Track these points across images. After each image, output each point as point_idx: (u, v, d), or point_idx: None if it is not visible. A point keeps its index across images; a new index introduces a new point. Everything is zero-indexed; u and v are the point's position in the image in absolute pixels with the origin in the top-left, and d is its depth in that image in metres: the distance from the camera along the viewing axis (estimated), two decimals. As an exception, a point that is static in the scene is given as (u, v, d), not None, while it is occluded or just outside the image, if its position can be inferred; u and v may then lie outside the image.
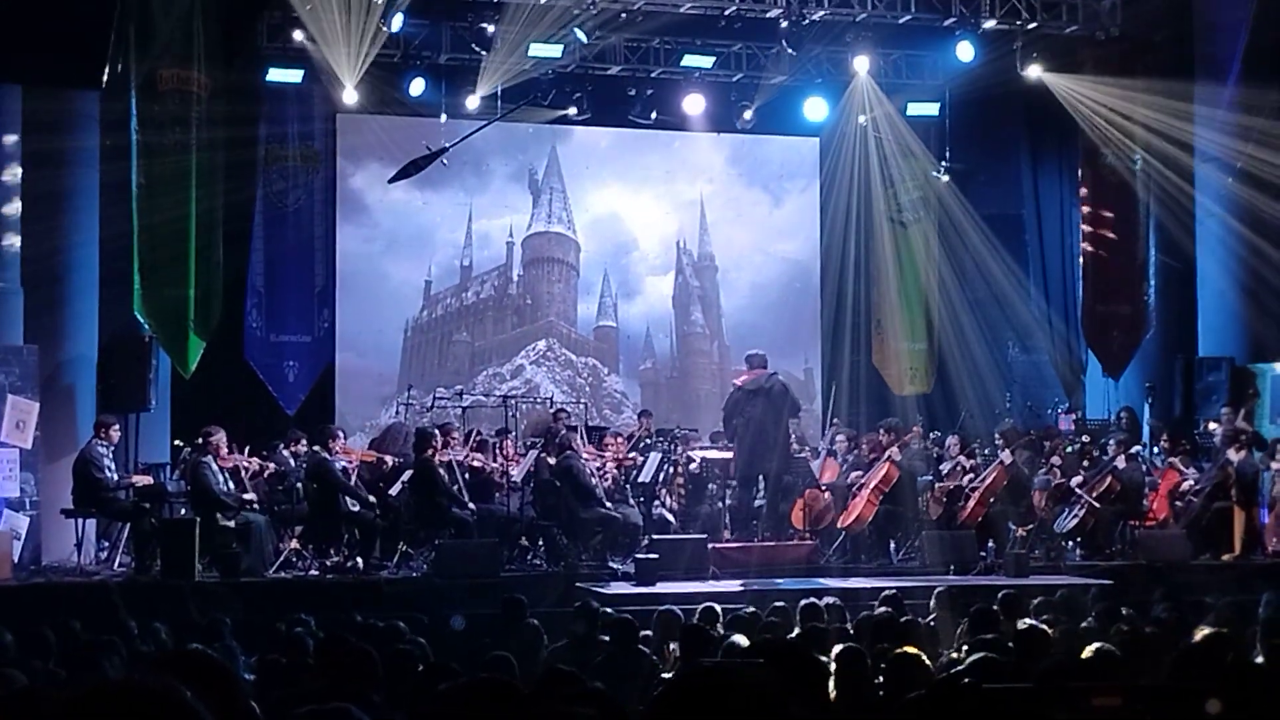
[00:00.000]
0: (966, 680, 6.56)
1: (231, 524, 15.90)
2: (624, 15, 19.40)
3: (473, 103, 19.71)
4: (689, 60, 20.51)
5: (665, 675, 9.43)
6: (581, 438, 17.96)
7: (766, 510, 17.57)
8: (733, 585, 15.72)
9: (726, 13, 19.48)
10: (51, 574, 16.17)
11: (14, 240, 17.72)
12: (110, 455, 16.55)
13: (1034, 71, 20.49)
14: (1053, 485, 18.38)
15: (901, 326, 22.87)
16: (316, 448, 16.96)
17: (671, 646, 10.68)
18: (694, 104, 21.06)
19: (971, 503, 17.96)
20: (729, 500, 17.80)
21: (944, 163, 21.44)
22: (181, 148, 17.83)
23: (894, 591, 12.78)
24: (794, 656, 6.43)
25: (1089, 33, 20.54)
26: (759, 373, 17.57)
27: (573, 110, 20.76)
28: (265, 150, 19.61)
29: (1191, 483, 18.44)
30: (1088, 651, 7.71)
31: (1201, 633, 9.00)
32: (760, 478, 17.60)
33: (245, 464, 16.68)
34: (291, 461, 17.39)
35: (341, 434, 17.60)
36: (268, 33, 18.92)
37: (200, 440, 16.33)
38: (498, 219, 22.13)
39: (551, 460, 17.32)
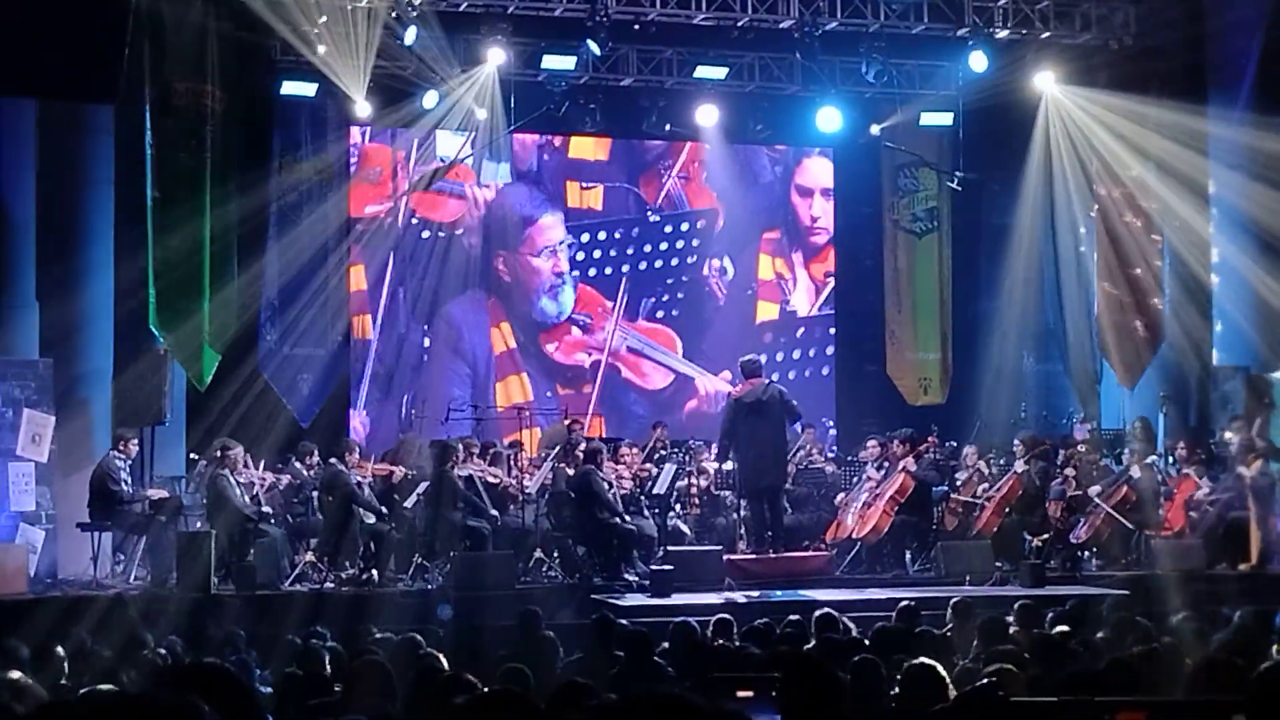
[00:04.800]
0: (994, 694, 6.53)
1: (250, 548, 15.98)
2: (637, 26, 19.42)
3: (483, 115, 19.75)
4: (702, 71, 20.50)
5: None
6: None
7: (773, 522, 17.41)
8: (748, 596, 15.73)
9: (739, 24, 19.49)
10: (67, 587, 16.18)
11: (29, 253, 17.76)
12: (127, 468, 16.61)
13: (1047, 81, 20.47)
14: (1067, 495, 18.34)
15: (915, 337, 22.87)
16: (332, 460, 16.99)
17: None
18: (707, 115, 21.08)
19: (987, 513, 17.94)
20: (743, 512, 17.75)
21: (957, 172, 21.41)
22: (195, 161, 17.84)
23: (910, 602, 12.75)
24: (809, 668, 6.41)
25: (1102, 42, 20.53)
26: (755, 382, 17.43)
27: (586, 121, 20.82)
28: (279, 163, 19.64)
29: (1207, 492, 18.40)
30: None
31: (1219, 644, 8.98)
32: (767, 490, 17.42)
33: (260, 478, 16.73)
34: (306, 474, 17.43)
35: (358, 448, 17.60)
36: (281, 46, 18.94)
37: (219, 454, 16.39)
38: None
39: (570, 471, 17.33)
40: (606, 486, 17.08)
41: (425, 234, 21.47)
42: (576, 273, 22.32)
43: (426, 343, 21.51)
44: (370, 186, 21.38)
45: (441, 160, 21.42)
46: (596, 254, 22.44)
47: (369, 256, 21.13)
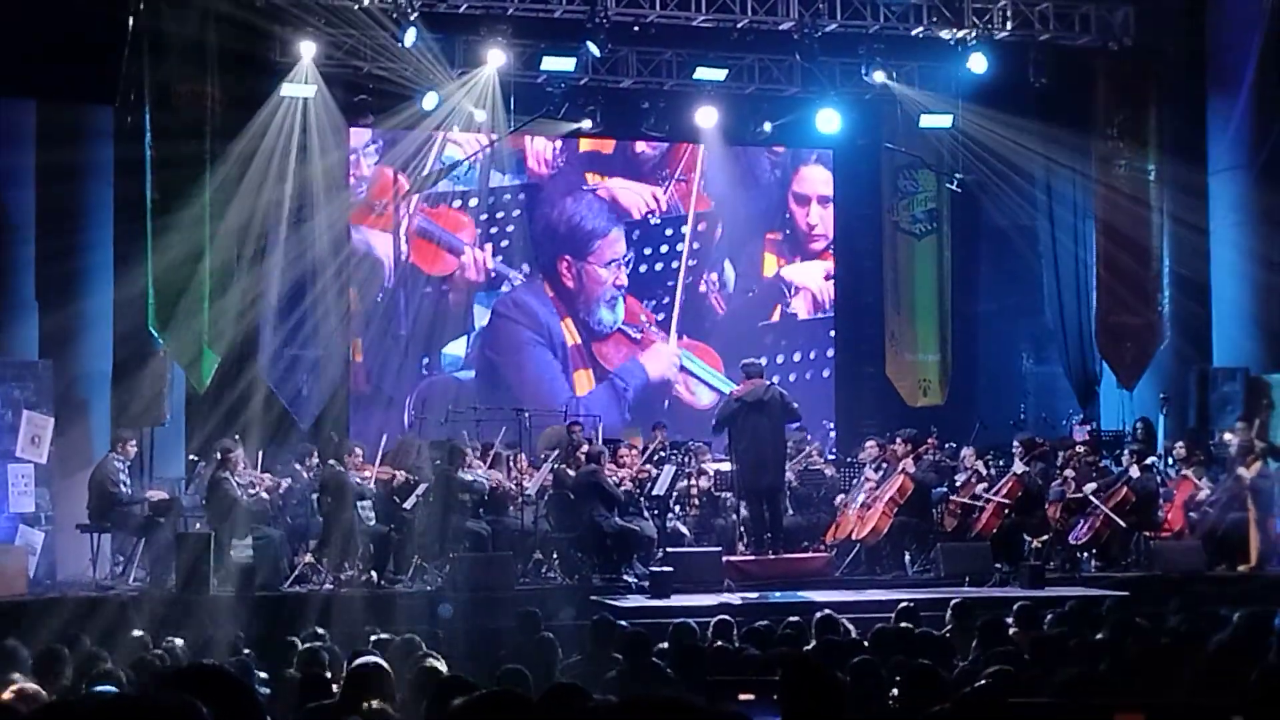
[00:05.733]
0: (990, 695, 6.54)
1: (248, 540, 15.97)
2: (636, 28, 19.41)
3: (483, 116, 19.76)
4: (701, 73, 20.47)
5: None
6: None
7: (772, 522, 17.39)
8: (747, 598, 15.73)
9: (739, 25, 19.48)
10: (67, 589, 16.15)
11: (28, 255, 17.75)
12: (126, 470, 16.61)
13: (1044, 82, 20.43)
14: (1067, 496, 18.34)
15: (915, 338, 22.87)
16: (332, 461, 16.97)
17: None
18: (706, 116, 21.09)
19: (986, 514, 17.93)
20: (743, 513, 17.75)
21: (957, 174, 21.40)
22: (195, 162, 17.84)
23: (909, 604, 12.75)
24: (809, 670, 6.41)
25: (1102, 44, 20.52)
26: (756, 383, 17.43)
27: (586, 123, 20.83)
28: (278, 164, 19.60)
29: (1206, 493, 18.40)
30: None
31: (1218, 645, 8.98)
32: (766, 491, 17.42)
33: (260, 480, 16.72)
34: (305, 476, 17.42)
35: (359, 450, 17.58)
36: (281, 47, 18.93)
37: (219, 456, 16.38)
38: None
39: (572, 472, 17.34)
40: (615, 485, 17.17)
41: (416, 277, 21.59)
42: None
43: (426, 360, 21.59)
44: (376, 219, 21.45)
45: (442, 163, 21.45)
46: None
47: (362, 283, 21.23)
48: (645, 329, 22.57)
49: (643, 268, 22.65)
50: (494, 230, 22.07)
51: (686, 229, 22.85)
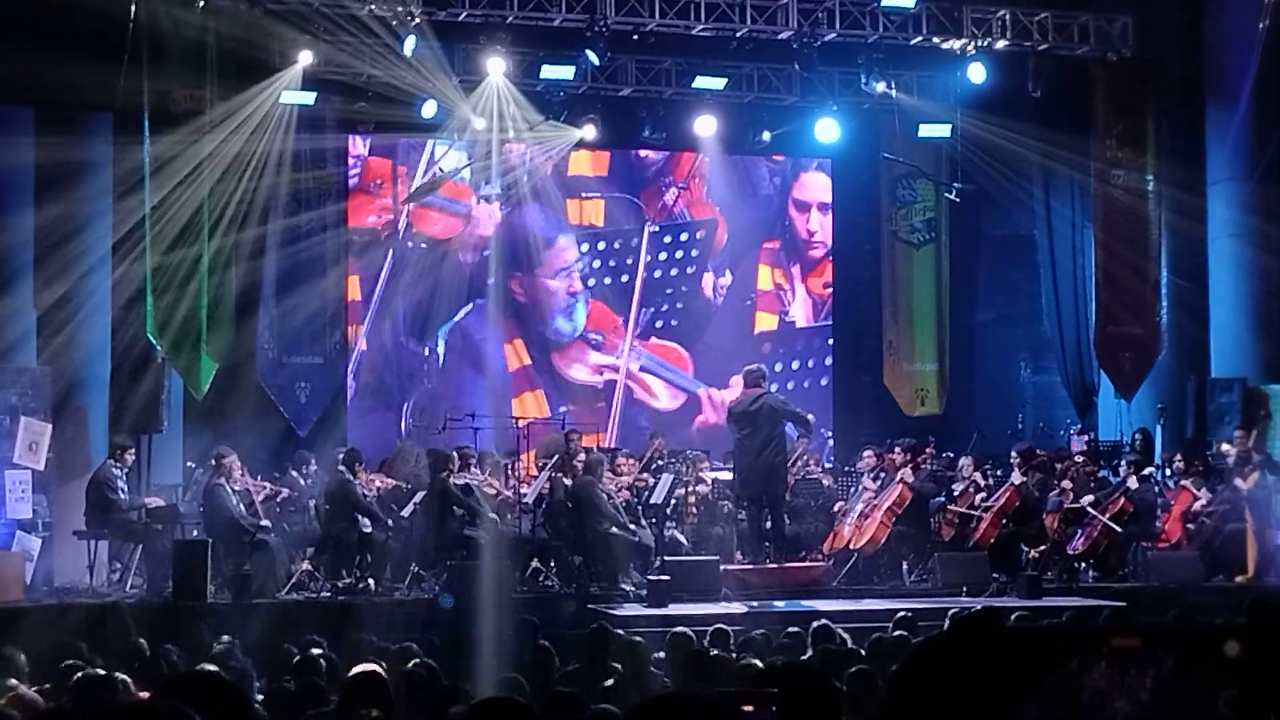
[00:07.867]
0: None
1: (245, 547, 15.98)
2: (635, 36, 19.41)
3: (481, 124, 19.75)
4: (700, 82, 20.48)
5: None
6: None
7: (773, 533, 17.38)
8: (745, 607, 15.71)
9: (738, 34, 19.47)
10: (64, 595, 16.15)
11: (26, 261, 17.74)
12: (124, 477, 16.60)
13: (1042, 92, 20.41)
14: (1064, 507, 18.33)
15: (912, 348, 22.87)
16: (341, 469, 16.92)
17: None
18: (705, 125, 21.09)
19: (984, 524, 17.91)
20: (741, 522, 17.74)
21: (955, 183, 21.41)
22: (193, 168, 17.82)
23: (907, 613, 12.75)
24: (807, 679, 6.41)
25: (1100, 54, 20.53)
26: (750, 392, 17.40)
27: (589, 131, 20.78)
28: (277, 171, 19.58)
29: (1204, 504, 18.39)
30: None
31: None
32: (761, 499, 17.42)
33: (256, 487, 16.71)
34: (302, 483, 17.40)
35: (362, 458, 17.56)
36: (280, 53, 18.91)
37: (214, 462, 16.39)
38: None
39: (568, 481, 17.33)
40: (605, 499, 17.14)
41: (421, 247, 21.52)
42: (592, 284, 22.44)
43: (426, 351, 21.55)
44: (369, 198, 21.45)
45: (439, 171, 21.45)
46: (596, 264, 22.50)
47: (364, 267, 21.21)
48: (607, 332, 22.46)
49: (623, 277, 22.58)
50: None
51: (702, 234, 22.81)
